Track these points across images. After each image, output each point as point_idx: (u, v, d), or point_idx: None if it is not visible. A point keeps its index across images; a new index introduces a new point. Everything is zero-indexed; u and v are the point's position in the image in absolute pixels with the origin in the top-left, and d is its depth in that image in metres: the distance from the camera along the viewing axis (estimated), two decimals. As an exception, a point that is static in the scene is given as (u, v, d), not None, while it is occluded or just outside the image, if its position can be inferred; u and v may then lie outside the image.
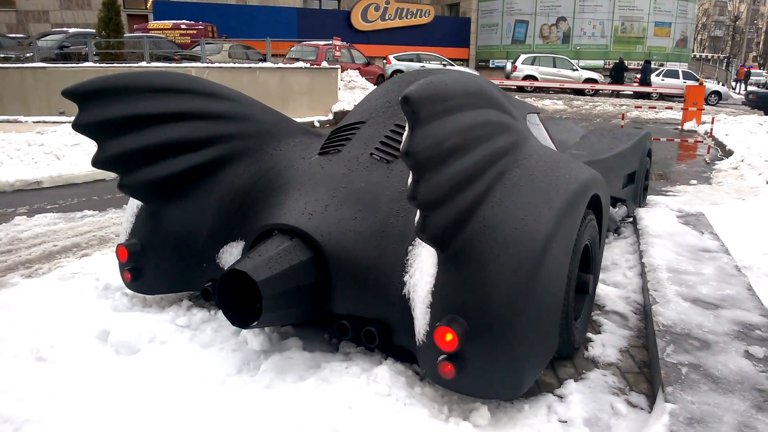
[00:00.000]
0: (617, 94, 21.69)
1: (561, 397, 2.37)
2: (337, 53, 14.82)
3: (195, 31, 26.79)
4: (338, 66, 14.40)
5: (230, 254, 2.86)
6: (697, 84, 13.54)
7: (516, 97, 4.29)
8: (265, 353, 2.58)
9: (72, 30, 19.58)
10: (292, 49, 17.33)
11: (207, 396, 2.29)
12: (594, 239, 2.82)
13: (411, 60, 23.60)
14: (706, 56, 45.03)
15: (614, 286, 3.62)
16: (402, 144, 1.77)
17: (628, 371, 2.65)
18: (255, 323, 2.37)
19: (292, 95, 13.90)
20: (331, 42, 15.25)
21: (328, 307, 2.56)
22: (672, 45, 28.25)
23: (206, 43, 18.84)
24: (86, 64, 14.81)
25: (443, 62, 24.12)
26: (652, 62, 24.04)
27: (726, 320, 2.77)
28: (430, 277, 2.15)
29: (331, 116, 13.77)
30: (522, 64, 23.15)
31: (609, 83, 21.93)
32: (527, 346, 2.07)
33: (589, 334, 2.93)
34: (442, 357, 2.04)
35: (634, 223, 4.84)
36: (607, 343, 2.88)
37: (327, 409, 2.11)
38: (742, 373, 2.29)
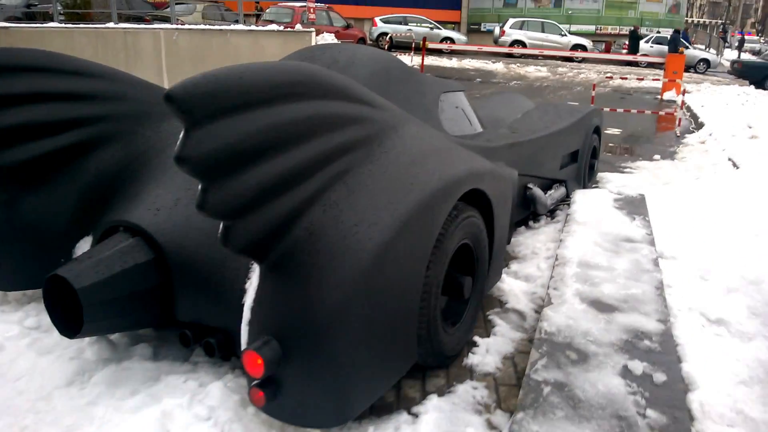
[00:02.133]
0: (635, 64, 20.84)
1: (415, 416, 2.16)
2: (312, 15, 14.28)
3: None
4: (313, 29, 13.87)
5: (85, 250, 2.62)
6: (677, 53, 13.07)
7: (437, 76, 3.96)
8: (105, 362, 2.36)
9: (39, -13, 18.80)
10: (267, 10, 16.71)
11: (21, 413, 2.08)
12: (477, 237, 2.57)
13: (399, 23, 22.92)
14: (703, 22, 43.96)
15: (524, 280, 3.39)
16: (175, 148, 1.51)
17: (504, 383, 2.44)
18: (78, 334, 2.15)
19: (265, 59, 13.40)
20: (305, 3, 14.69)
21: (173, 313, 2.33)
22: (665, 11, 27.46)
23: (179, 3, 18.19)
24: (51, 24, 14.18)
25: (431, 26, 23.44)
26: (641, 29, 23.30)
27: (617, 327, 2.56)
28: (253, 290, 1.91)
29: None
30: (510, 28, 22.48)
31: (626, 53, 21.20)
32: (355, 369, 1.85)
33: (477, 338, 2.72)
34: (253, 382, 1.82)
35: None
36: (493, 348, 2.67)
37: (138, 433, 1.90)
38: (609, 395, 2.08)
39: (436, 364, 2.43)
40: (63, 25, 13.91)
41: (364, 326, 1.86)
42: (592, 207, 4.26)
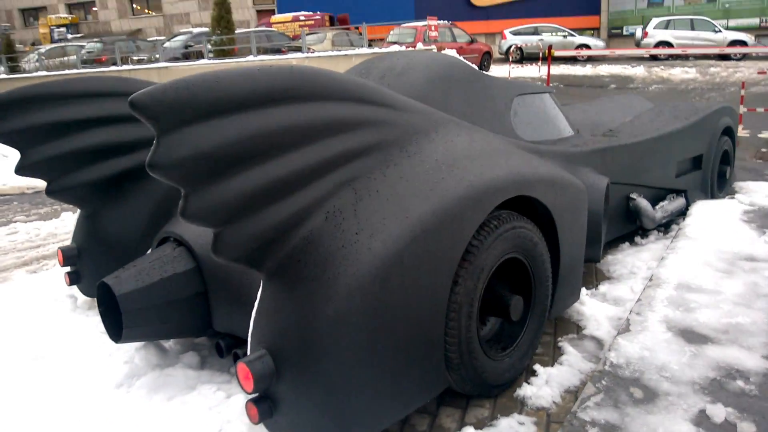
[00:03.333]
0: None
1: (443, 450, 1.95)
2: (433, 33, 14.30)
3: (312, 22, 27.71)
4: (433, 47, 13.93)
5: None
6: None
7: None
8: (153, 367, 2.46)
9: (196, 30, 21.19)
10: (391, 32, 17.13)
11: (74, 411, 2.22)
12: (531, 252, 2.28)
13: (530, 33, 22.22)
14: None
15: (612, 303, 2.97)
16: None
17: (557, 419, 2.12)
18: (120, 339, 2.26)
19: (387, 80, 13.69)
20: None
21: (211, 323, 2.37)
22: None
23: (310, 33, 19.32)
24: (202, 61, 15.92)
25: (564, 33, 22.39)
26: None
27: (705, 362, 2.11)
28: (257, 300, 1.85)
29: (426, 99, 13.38)
30: (654, 29, 20.64)
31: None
32: (354, 390, 1.70)
33: (538, 366, 2.41)
34: (250, 397, 1.75)
35: (687, 219, 3.99)
36: (554, 379, 2.34)
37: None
38: (671, 444, 1.70)
39: (477, 392, 2.18)
40: (211, 61, 15.52)
41: (365, 344, 1.71)
42: (711, 220, 3.65)
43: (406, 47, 14.72)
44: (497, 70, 17.00)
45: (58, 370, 2.51)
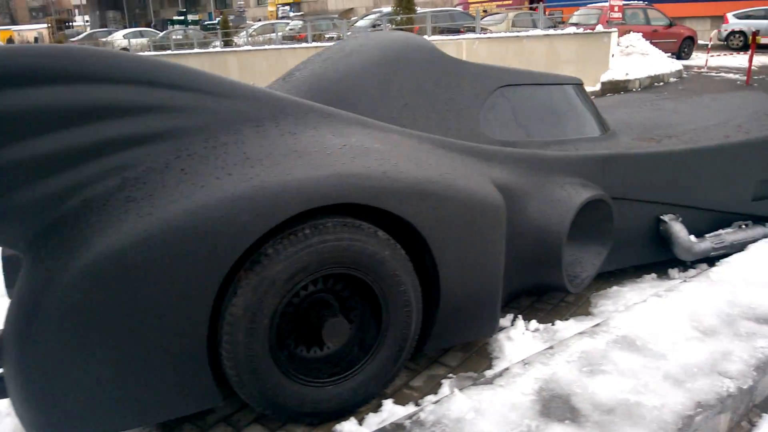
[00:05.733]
0: None
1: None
2: (615, 14, 12.76)
3: (511, 1, 26.82)
4: (614, 30, 12.48)
5: None
6: None
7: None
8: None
9: (386, 9, 21.92)
10: (575, 13, 15.75)
11: None
12: (373, 270, 1.94)
13: (762, 17, 18.62)
14: None
15: (552, 342, 2.42)
16: None
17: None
18: None
19: (558, 64, 12.80)
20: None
21: None
22: None
23: (493, 13, 18.67)
24: (379, 40, 16.42)
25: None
26: None
27: (535, 441, 1.62)
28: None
29: (598, 86, 12.22)
30: None
31: None
32: (70, 389, 1.63)
33: (386, 401, 2.10)
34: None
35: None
36: (395, 416, 2.02)
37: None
38: None
39: (279, 416, 1.95)
40: (386, 40, 15.98)
41: (88, 341, 1.62)
42: (760, 260, 2.74)
43: (584, 29, 13.44)
44: (699, 59, 14.62)
45: None
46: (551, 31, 13.51)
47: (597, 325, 2.28)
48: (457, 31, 17.39)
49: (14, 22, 52.67)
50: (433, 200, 2.04)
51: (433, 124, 2.56)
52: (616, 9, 12.61)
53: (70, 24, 45.67)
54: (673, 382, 1.87)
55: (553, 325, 2.58)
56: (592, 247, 2.85)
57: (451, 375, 2.30)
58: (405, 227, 2.07)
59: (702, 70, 13.75)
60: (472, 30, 16.00)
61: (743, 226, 3.17)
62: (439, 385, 2.23)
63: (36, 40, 28.32)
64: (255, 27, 22.71)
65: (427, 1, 31.14)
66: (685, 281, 2.64)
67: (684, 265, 3.18)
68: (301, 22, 22.59)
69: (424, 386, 2.24)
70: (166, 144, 1.83)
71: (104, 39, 25.48)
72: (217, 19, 28.32)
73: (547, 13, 21.00)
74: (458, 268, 2.16)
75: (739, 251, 3.10)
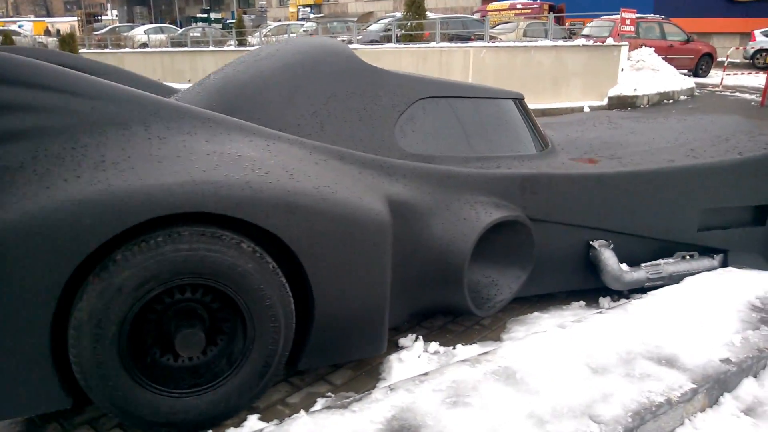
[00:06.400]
0: None
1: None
2: (626, 27, 12.49)
3: (529, 10, 26.59)
4: (625, 44, 12.24)
5: None
6: None
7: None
8: None
9: (399, 14, 21.83)
10: (588, 25, 15.51)
11: None
12: (236, 282, 1.86)
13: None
14: None
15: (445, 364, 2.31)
16: None
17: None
18: None
19: (566, 76, 12.64)
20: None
21: None
22: None
23: (505, 22, 18.51)
24: (388, 45, 16.40)
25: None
26: None
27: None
28: None
29: (605, 101, 12.00)
30: None
31: None
32: None
33: (251, 417, 2.01)
34: None
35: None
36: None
37: None
38: None
39: (135, 425, 1.89)
40: (396, 45, 15.96)
41: None
42: (688, 297, 2.58)
43: (594, 41, 13.22)
44: (717, 77, 14.25)
45: None
46: (560, 42, 13.32)
47: (485, 353, 2.16)
48: (467, 39, 17.26)
49: (49, 14, 53.88)
50: (303, 213, 1.95)
51: (342, 133, 2.47)
52: (628, 22, 12.35)
53: (99, 18, 46.53)
54: (535, 422, 1.74)
55: (454, 348, 2.46)
56: (511, 271, 2.73)
57: (330, 394, 2.20)
58: (278, 241, 1.99)
59: (716, 89, 13.42)
60: (482, 38, 15.87)
61: (687, 257, 3.01)
62: (314, 403, 2.13)
63: (58, 32, 28.81)
64: (270, 27, 22.84)
65: (447, 7, 31.08)
66: (600, 312, 2.51)
67: (620, 294, 3.03)
68: (315, 24, 22.67)
69: (299, 403, 2.14)
70: (24, 143, 1.79)
71: (126, 34, 25.84)
72: (238, 18, 28.62)
73: (567, 23, 20.72)
74: (334, 284, 2.06)
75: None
